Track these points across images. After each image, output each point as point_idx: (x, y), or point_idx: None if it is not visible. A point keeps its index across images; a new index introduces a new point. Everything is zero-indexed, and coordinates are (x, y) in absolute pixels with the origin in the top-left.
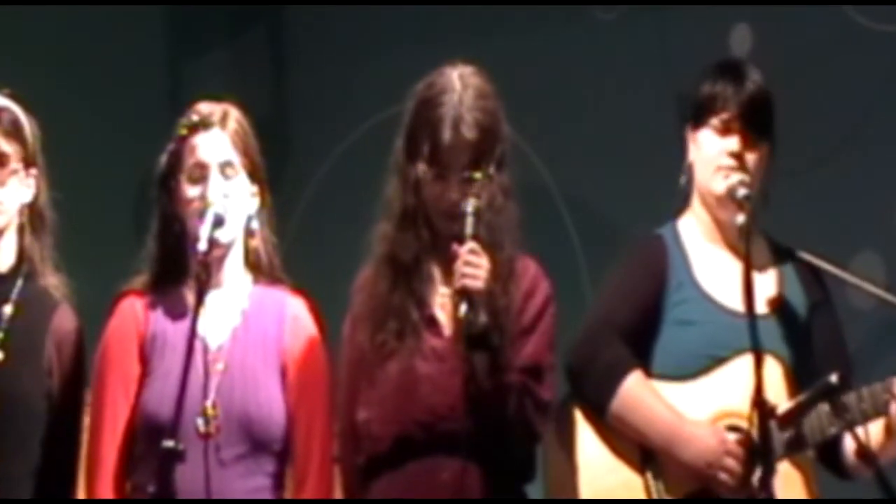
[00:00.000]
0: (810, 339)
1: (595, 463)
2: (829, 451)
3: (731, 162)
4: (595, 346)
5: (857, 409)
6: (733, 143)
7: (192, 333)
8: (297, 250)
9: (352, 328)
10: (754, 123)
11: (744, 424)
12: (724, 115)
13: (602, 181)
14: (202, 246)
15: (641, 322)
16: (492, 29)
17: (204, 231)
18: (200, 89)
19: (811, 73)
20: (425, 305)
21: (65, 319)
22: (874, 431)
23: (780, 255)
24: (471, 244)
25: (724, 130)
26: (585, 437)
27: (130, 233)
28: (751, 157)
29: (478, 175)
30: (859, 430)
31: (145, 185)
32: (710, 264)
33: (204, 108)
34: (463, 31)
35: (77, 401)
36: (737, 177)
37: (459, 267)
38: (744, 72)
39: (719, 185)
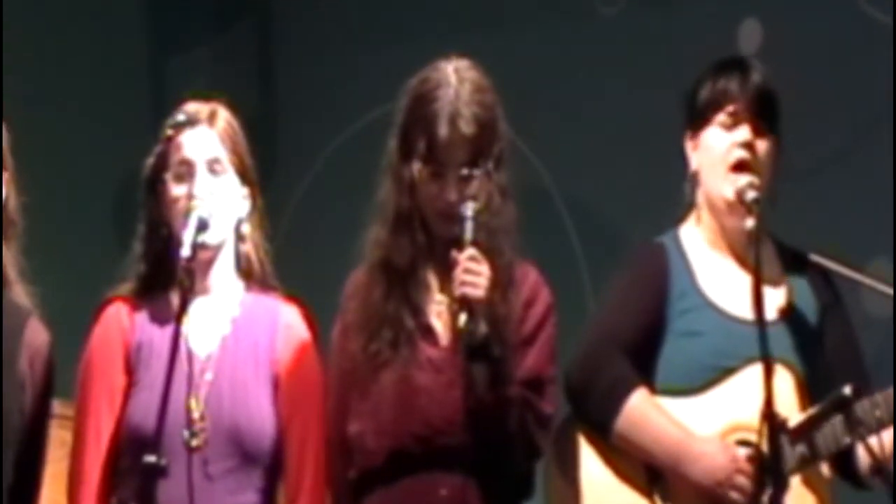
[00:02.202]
0: (822, 345)
1: (599, 485)
2: (843, 461)
3: (743, 153)
4: (596, 365)
5: (871, 417)
6: (743, 132)
7: (176, 342)
8: (287, 254)
9: (343, 336)
10: (763, 114)
11: (755, 439)
12: (731, 108)
13: (604, 182)
14: (186, 251)
15: (644, 335)
16: (488, 24)
17: (187, 236)
18: (184, 88)
19: (823, 69)
20: (421, 314)
21: (37, 332)
22: (888, 437)
23: (789, 258)
24: (470, 250)
25: (733, 124)
26: (588, 458)
27: (111, 236)
28: (762, 147)
29: (476, 173)
30: (873, 440)
31: (126, 187)
32: (715, 271)
33: (191, 106)
34: (458, 26)
35: (44, 415)
36: (746, 179)
37: (459, 274)
38: (748, 65)
39: (729, 190)
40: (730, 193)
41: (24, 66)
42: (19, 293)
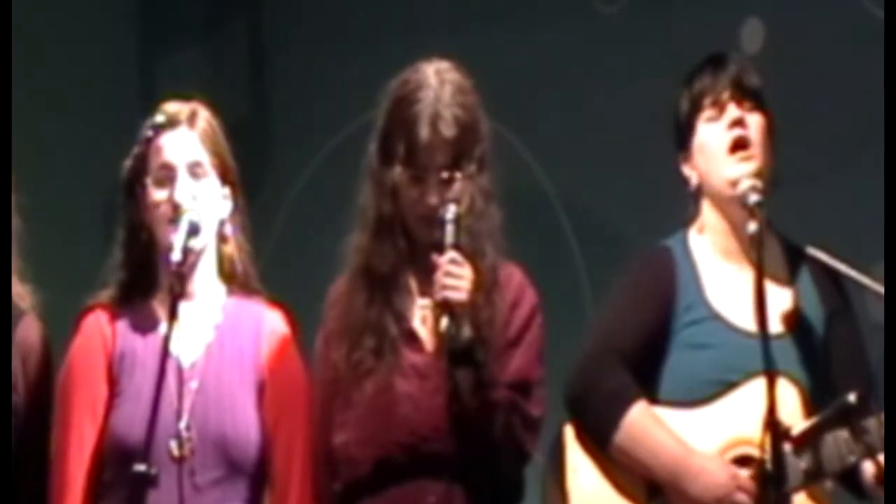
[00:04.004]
0: (829, 356)
1: (597, 498)
2: (847, 471)
3: (737, 131)
4: (595, 374)
5: (877, 434)
6: (731, 112)
7: (165, 350)
8: (279, 261)
9: (325, 346)
10: (745, 93)
11: (756, 453)
12: (711, 99)
13: (604, 186)
14: (176, 256)
15: (646, 345)
16: (485, 24)
17: (178, 240)
18: (174, 89)
19: (827, 70)
20: (404, 320)
21: (30, 331)
22: None
23: (795, 260)
24: (451, 254)
25: (718, 112)
26: (586, 470)
27: (100, 240)
28: (753, 122)
29: (458, 176)
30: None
31: (116, 190)
32: (722, 281)
33: (171, 107)
34: (454, 26)
35: (45, 416)
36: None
37: (440, 278)
38: (719, 58)
39: (733, 170)
40: (734, 173)
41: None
42: (18, 294)
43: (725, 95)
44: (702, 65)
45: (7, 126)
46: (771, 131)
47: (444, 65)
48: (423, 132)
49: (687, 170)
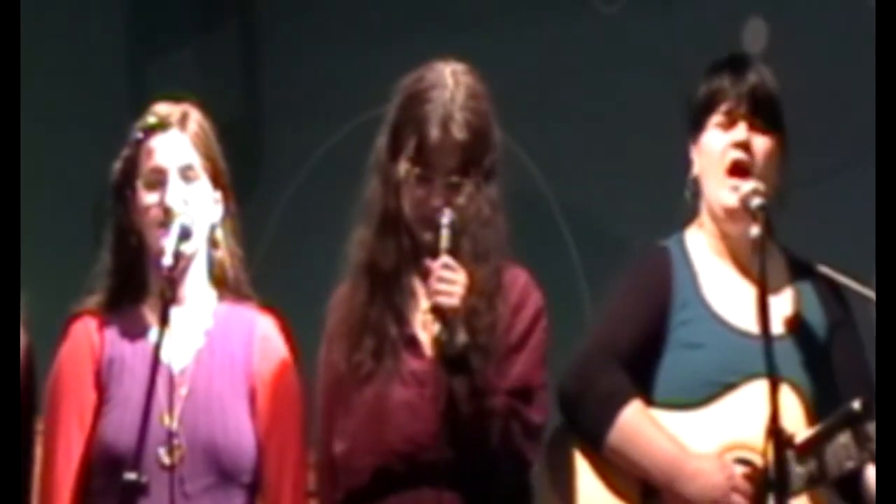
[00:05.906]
0: (830, 363)
1: (592, 500)
2: (847, 482)
3: (739, 154)
4: (590, 374)
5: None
6: (739, 132)
7: (156, 356)
8: (272, 265)
9: (327, 349)
10: (759, 111)
11: (754, 457)
12: (725, 107)
13: (603, 188)
14: (168, 260)
15: (642, 345)
16: (483, 24)
17: (169, 244)
18: (165, 90)
19: (832, 70)
20: (405, 322)
21: None
22: None
23: (798, 270)
24: (445, 259)
25: (729, 123)
26: (582, 471)
27: (88, 244)
28: (760, 146)
29: (465, 182)
30: None
31: (104, 192)
32: (719, 281)
33: (162, 108)
34: (452, 25)
35: (27, 427)
36: (750, 185)
37: (432, 284)
38: (743, 62)
39: (728, 196)
40: (728, 200)
41: None
42: None
43: (740, 109)
44: (723, 63)
45: (14, 129)
46: (780, 152)
47: (460, 66)
48: (434, 132)
49: (694, 155)
